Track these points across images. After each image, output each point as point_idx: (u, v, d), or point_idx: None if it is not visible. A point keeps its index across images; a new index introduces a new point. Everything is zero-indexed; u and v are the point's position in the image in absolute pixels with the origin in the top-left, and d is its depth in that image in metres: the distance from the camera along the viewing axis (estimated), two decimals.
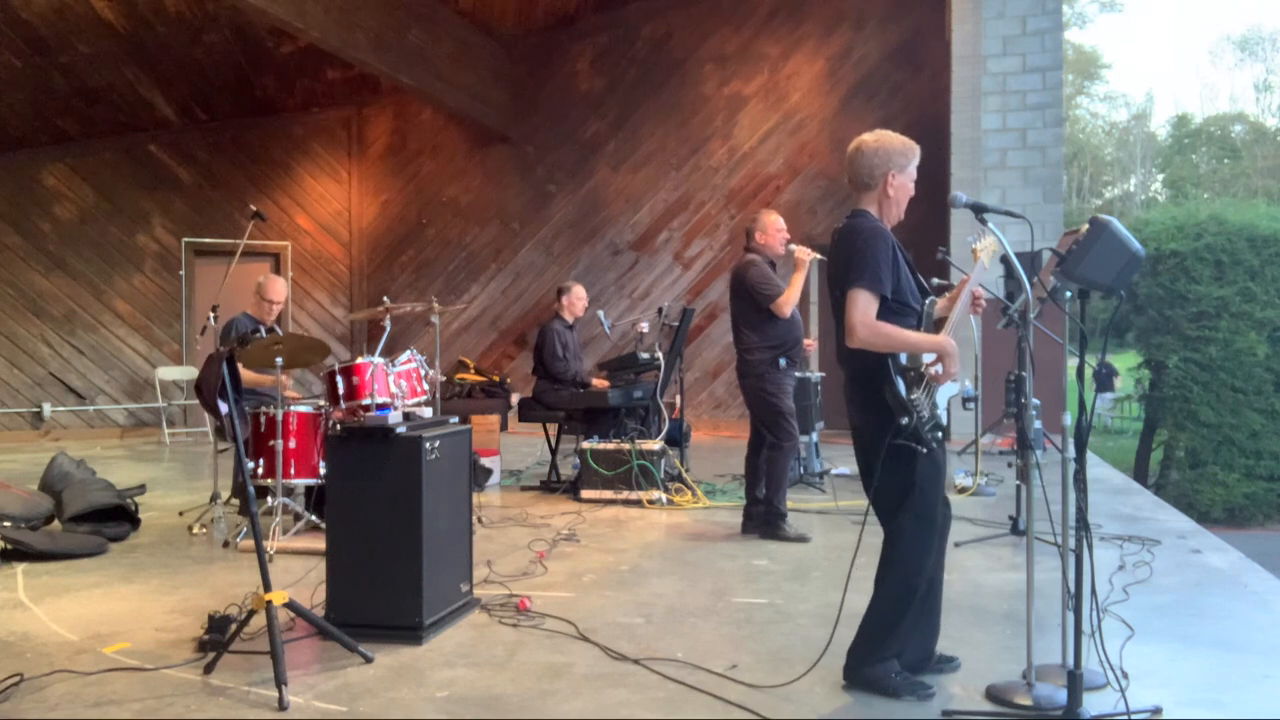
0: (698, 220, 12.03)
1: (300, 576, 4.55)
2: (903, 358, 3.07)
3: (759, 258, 5.70)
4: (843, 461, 8.11)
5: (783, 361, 5.61)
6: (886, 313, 3.09)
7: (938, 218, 10.41)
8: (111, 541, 5.50)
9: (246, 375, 5.92)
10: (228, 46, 11.07)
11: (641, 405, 7.53)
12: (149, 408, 11.87)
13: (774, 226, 5.73)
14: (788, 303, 5.53)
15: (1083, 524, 2.97)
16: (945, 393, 3.17)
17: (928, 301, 3.23)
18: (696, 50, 12.05)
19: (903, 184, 3.22)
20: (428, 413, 4.56)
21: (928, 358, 3.11)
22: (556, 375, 7.36)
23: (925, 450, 3.05)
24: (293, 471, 5.43)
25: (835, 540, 5.53)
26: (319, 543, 4.32)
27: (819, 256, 5.57)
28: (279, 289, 6.47)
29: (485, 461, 7.51)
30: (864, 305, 3.04)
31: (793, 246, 5.76)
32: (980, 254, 3.40)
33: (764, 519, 5.62)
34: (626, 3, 12.22)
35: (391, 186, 13.06)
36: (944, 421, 3.14)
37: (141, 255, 12.07)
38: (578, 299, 7.71)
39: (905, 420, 3.01)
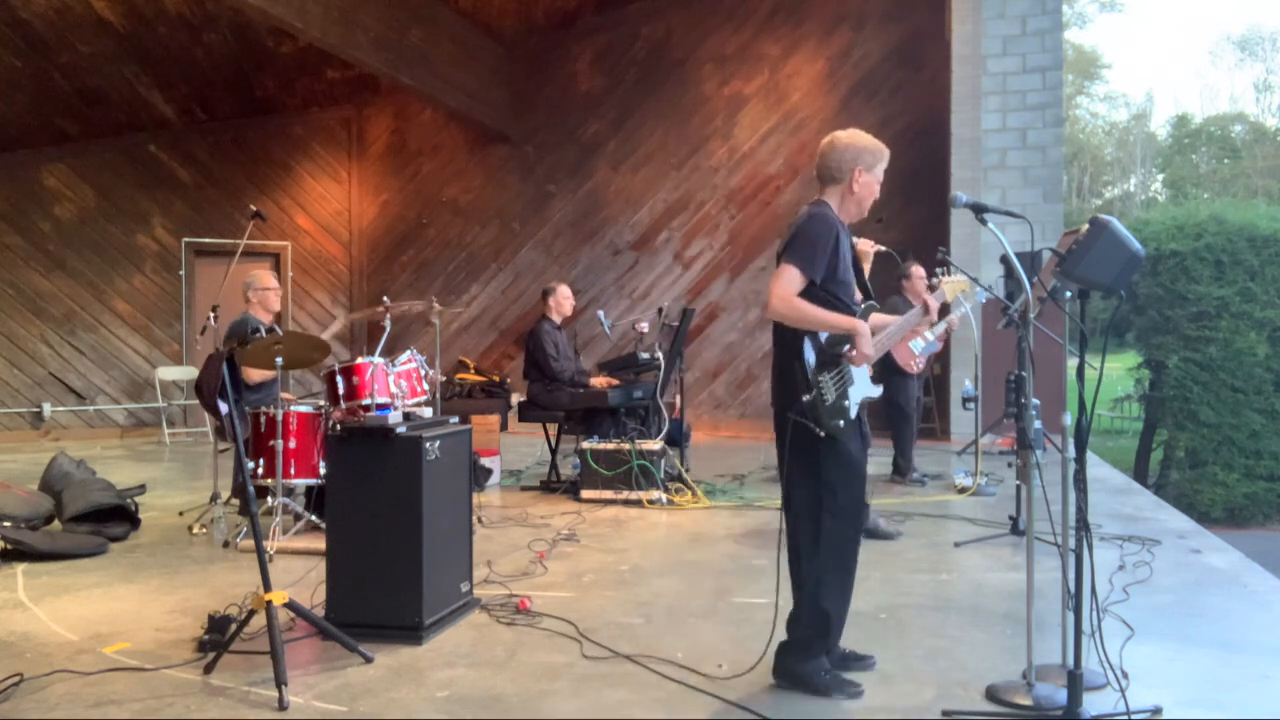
0: (698, 220, 12.03)
1: (300, 576, 4.55)
2: (822, 339, 3.13)
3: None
4: None
5: None
6: (814, 300, 3.14)
7: (938, 217, 10.41)
8: (111, 541, 5.50)
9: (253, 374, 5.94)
10: (228, 46, 11.07)
11: (641, 405, 7.53)
12: (149, 408, 11.87)
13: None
14: None
15: (1083, 524, 2.97)
16: (859, 392, 3.19)
17: (865, 305, 3.29)
18: (696, 50, 12.05)
19: (868, 182, 3.26)
20: (428, 413, 4.56)
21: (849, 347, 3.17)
22: (554, 375, 7.35)
23: (822, 434, 3.07)
24: (293, 471, 5.43)
25: None
26: (319, 543, 4.32)
27: (881, 248, 5.41)
28: (271, 276, 6.55)
29: (485, 461, 7.51)
30: (787, 280, 3.11)
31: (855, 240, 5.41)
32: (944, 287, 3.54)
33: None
34: (626, 3, 12.22)
35: (391, 186, 13.06)
36: (851, 416, 3.16)
37: (141, 255, 12.07)
38: (564, 299, 7.65)
39: (806, 397, 3.06)
